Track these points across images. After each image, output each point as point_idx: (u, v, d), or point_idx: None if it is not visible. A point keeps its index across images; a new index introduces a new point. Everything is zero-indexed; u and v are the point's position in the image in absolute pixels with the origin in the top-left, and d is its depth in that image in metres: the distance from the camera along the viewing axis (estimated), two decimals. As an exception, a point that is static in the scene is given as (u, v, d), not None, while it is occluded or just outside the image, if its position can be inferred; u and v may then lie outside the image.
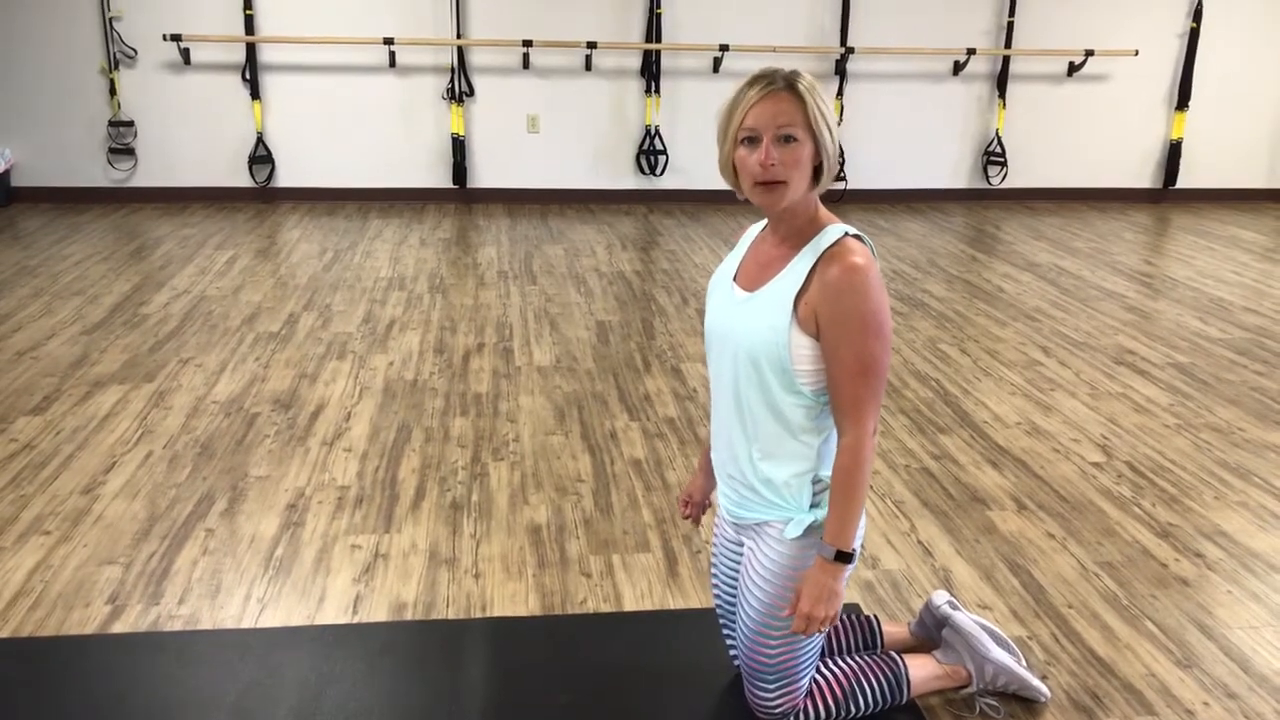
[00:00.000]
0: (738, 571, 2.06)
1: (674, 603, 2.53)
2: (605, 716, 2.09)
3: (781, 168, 1.75)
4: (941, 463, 3.33)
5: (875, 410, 1.80)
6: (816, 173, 1.79)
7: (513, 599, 2.54)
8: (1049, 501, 3.08)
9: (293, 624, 2.41)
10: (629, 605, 2.52)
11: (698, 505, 2.21)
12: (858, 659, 2.10)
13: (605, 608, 2.50)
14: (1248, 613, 2.53)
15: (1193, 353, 4.44)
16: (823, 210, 1.86)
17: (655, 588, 2.59)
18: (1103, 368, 4.24)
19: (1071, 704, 2.18)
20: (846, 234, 1.81)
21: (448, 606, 2.50)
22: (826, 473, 1.90)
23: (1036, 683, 2.16)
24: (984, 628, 2.19)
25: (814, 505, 1.90)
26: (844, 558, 1.82)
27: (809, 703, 2.03)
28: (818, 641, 2.01)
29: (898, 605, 2.53)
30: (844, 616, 2.26)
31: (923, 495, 3.10)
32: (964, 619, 2.18)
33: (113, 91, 6.82)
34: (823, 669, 2.07)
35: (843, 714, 2.05)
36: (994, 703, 2.15)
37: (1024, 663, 2.20)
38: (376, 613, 2.46)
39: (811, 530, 1.89)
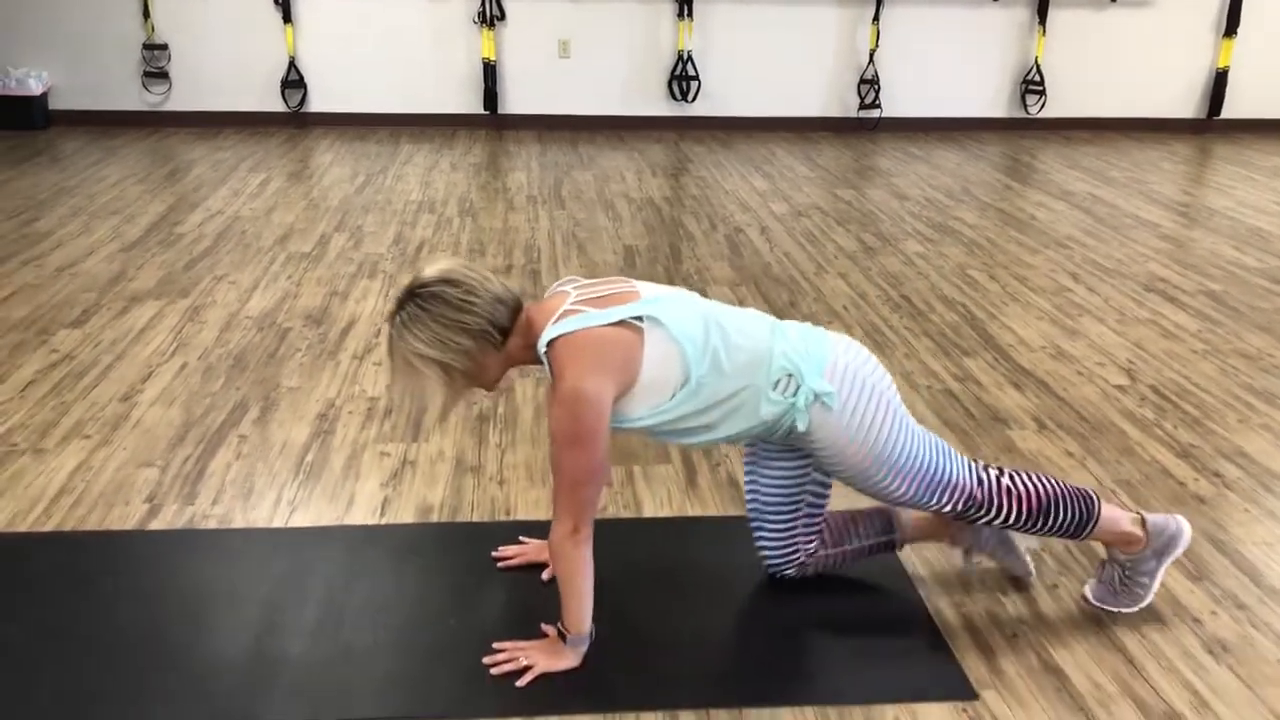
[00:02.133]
0: (782, 465, 2.15)
1: (692, 511, 2.59)
2: (622, 614, 2.15)
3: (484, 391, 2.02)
4: (964, 384, 3.34)
5: (572, 513, 1.89)
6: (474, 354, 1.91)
7: (536, 504, 2.60)
8: (1070, 422, 3.09)
9: (322, 524, 2.49)
10: (648, 513, 2.57)
11: (523, 561, 2.33)
12: (1058, 480, 2.15)
13: (625, 515, 2.56)
14: (1263, 529, 2.55)
15: (1226, 281, 4.39)
16: (522, 327, 1.95)
17: (675, 496, 2.65)
18: (1133, 294, 4.21)
19: (1081, 613, 2.22)
20: (548, 345, 1.91)
21: (472, 510, 2.57)
22: (774, 373, 1.97)
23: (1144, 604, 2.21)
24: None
25: (795, 390, 1.97)
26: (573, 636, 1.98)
27: (1009, 500, 2.08)
28: (930, 451, 2.05)
29: (913, 517, 2.57)
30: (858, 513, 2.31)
31: (944, 414, 3.12)
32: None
33: (146, 14, 6.84)
34: (1028, 479, 2.11)
35: (1038, 525, 2.11)
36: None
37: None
38: (403, 515, 2.54)
39: (815, 401, 1.97)
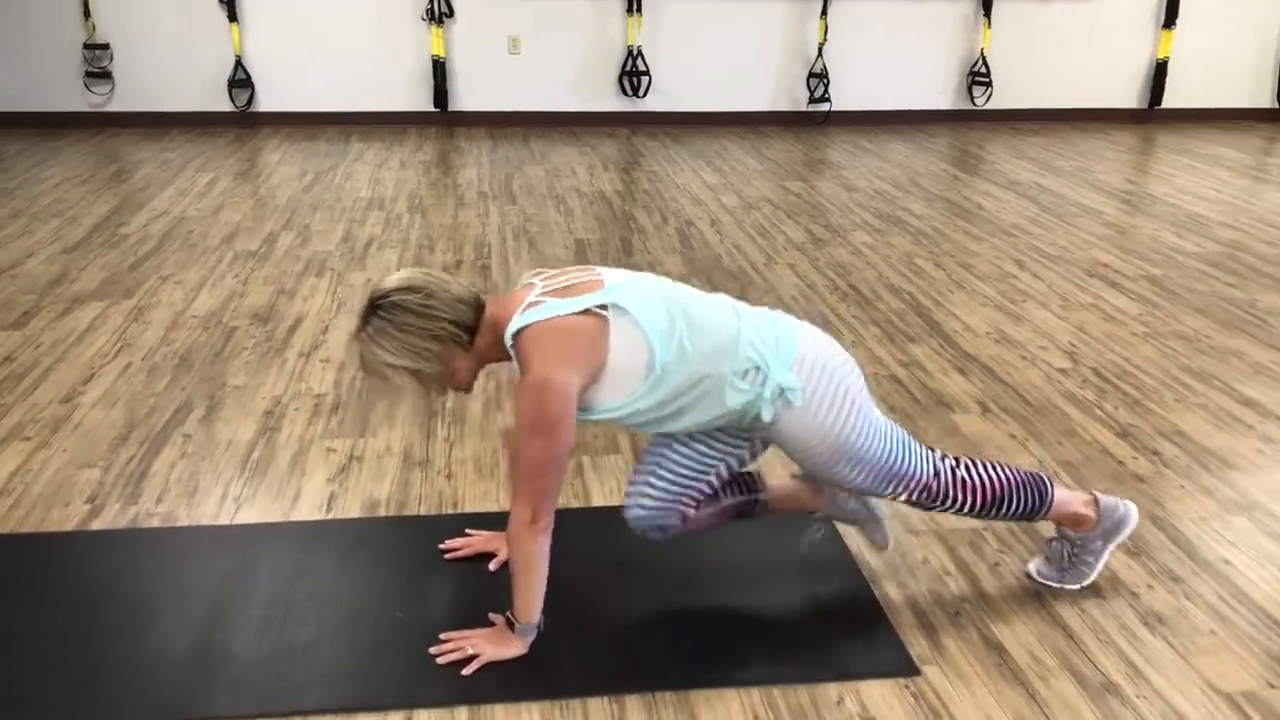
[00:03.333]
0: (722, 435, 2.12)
1: (641, 499, 2.60)
2: (568, 602, 2.16)
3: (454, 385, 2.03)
4: (909, 369, 3.38)
5: (530, 502, 1.90)
6: (446, 354, 1.94)
7: (483, 497, 2.60)
8: (1013, 405, 3.14)
9: (268, 521, 2.47)
10: (597, 502, 2.58)
11: (470, 552, 2.33)
12: (1013, 469, 2.16)
13: (574, 504, 2.57)
14: (1198, 505, 2.60)
15: (1166, 265, 4.48)
16: (489, 324, 1.97)
17: (623, 486, 2.65)
18: (1076, 280, 4.28)
19: (1022, 590, 2.26)
20: (513, 336, 1.91)
21: (419, 504, 2.56)
22: (740, 363, 1.95)
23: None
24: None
25: (762, 381, 1.96)
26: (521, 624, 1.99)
27: (964, 491, 2.11)
28: (892, 445, 2.05)
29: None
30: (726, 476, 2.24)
31: (889, 400, 3.16)
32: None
33: (87, 14, 6.73)
34: (984, 470, 2.13)
35: (992, 513, 2.14)
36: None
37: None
38: (350, 510, 2.53)
39: (781, 395, 1.97)
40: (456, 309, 1.94)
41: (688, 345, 1.95)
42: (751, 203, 5.42)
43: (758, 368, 1.96)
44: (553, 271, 2.04)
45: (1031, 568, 2.30)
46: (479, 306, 1.98)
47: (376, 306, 1.93)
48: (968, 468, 2.14)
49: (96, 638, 2.05)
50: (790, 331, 2.03)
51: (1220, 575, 2.32)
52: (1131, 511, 2.23)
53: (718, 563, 2.33)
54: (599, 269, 2.03)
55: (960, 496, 2.12)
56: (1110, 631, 2.12)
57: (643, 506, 2.12)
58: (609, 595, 2.22)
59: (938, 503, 2.13)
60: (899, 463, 2.07)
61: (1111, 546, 2.23)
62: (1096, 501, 2.22)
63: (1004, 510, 2.15)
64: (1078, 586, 2.24)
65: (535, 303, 1.93)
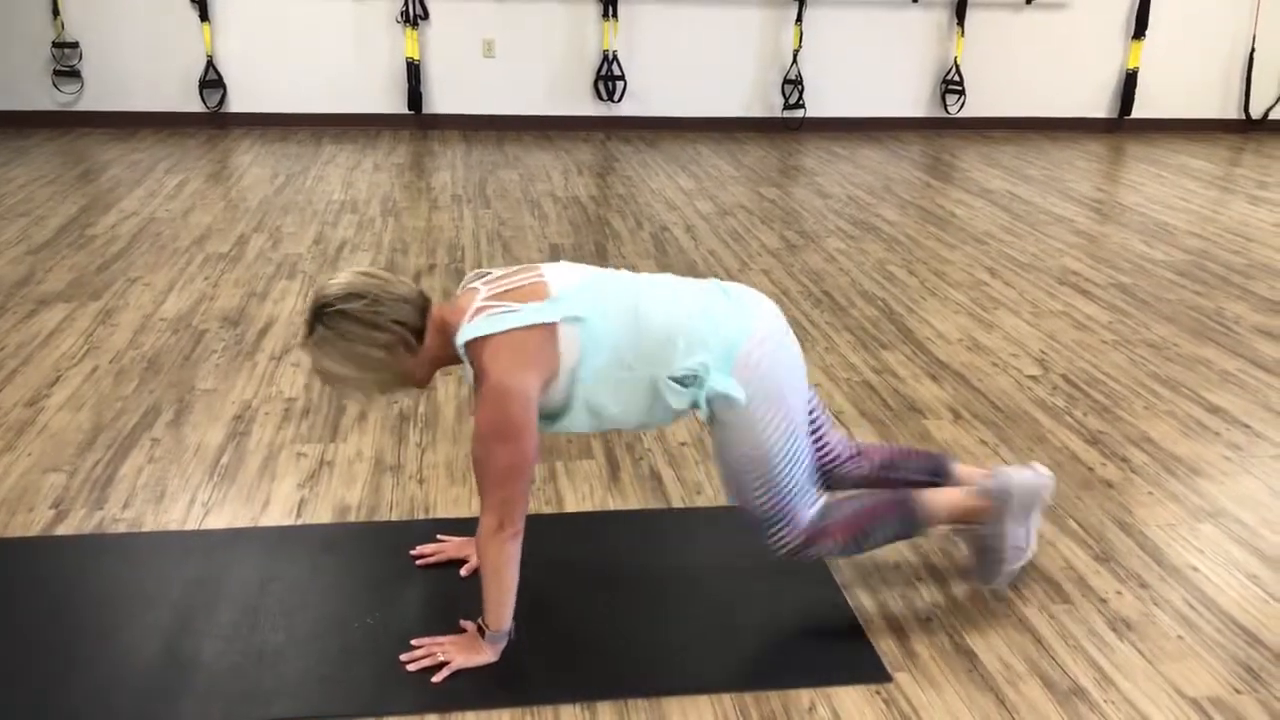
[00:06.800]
0: None
1: (614, 505, 2.59)
2: (540, 608, 2.15)
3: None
4: (882, 376, 3.39)
5: (496, 509, 1.89)
6: (387, 359, 1.93)
7: (455, 502, 2.58)
8: (984, 411, 3.16)
9: (237, 526, 2.45)
10: (570, 508, 2.57)
11: (442, 558, 2.31)
12: (874, 497, 2.15)
13: (547, 510, 2.56)
14: (1166, 512, 2.63)
15: (1135, 274, 4.53)
16: (437, 326, 1.97)
17: (596, 491, 2.65)
18: (1046, 288, 4.31)
19: (993, 596, 2.27)
20: (467, 345, 1.90)
21: (391, 510, 2.54)
22: (677, 370, 1.95)
23: (1011, 568, 2.19)
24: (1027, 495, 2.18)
25: (693, 383, 1.96)
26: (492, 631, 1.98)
27: (827, 540, 2.08)
28: (801, 479, 2.05)
29: (831, 506, 2.60)
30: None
31: (861, 406, 3.17)
32: (1021, 479, 2.17)
33: (55, 11, 6.65)
34: (844, 507, 2.11)
35: (859, 550, 2.14)
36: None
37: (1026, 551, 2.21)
38: (320, 515, 2.50)
39: (716, 399, 1.96)
40: (401, 310, 1.93)
41: (626, 350, 1.94)
42: (726, 208, 5.43)
43: (695, 375, 1.96)
44: (496, 273, 2.02)
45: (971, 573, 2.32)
46: (424, 306, 1.98)
47: (320, 315, 1.91)
48: (830, 508, 2.11)
49: (60, 646, 2.02)
50: (742, 328, 1.99)
51: (1187, 581, 2.34)
52: (1020, 479, 2.15)
53: (690, 569, 2.33)
54: (544, 269, 2.01)
55: (823, 543, 2.09)
56: (1079, 637, 2.14)
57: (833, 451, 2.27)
58: (581, 601, 2.21)
59: (812, 550, 2.09)
60: (797, 496, 2.04)
61: (1012, 527, 2.16)
62: (989, 490, 2.16)
63: (874, 541, 2.14)
64: (993, 584, 2.22)
65: (482, 308, 1.92)
